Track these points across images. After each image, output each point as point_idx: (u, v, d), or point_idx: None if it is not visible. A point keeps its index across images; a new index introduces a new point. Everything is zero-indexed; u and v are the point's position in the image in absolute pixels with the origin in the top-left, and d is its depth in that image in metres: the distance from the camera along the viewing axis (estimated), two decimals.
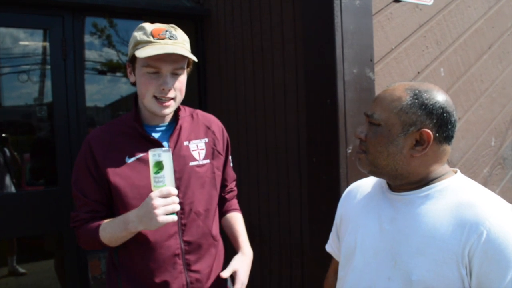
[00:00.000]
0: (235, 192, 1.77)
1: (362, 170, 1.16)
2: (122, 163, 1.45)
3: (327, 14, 2.07)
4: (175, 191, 1.29)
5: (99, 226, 1.42)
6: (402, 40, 2.33)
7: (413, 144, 1.06)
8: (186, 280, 1.48)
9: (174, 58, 1.41)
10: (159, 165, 1.27)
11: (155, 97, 1.42)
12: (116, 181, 1.43)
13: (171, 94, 1.43)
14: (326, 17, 2.08)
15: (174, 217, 1.29)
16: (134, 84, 1.51)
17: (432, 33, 2.47)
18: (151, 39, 1.40)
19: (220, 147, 1.62)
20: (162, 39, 1.40)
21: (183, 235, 1.48)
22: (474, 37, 2.71)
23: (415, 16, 2.39)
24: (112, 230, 1.39)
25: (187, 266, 1.48)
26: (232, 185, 1.75)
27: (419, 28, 2.40)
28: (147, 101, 1.44)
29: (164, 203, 1.26)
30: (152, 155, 1.27)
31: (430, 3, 2.45)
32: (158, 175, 1.27)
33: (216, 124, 1.66)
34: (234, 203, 1.75)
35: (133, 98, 1.54)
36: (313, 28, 2.20)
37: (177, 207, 1.29)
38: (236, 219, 1.69)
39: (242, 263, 1.51)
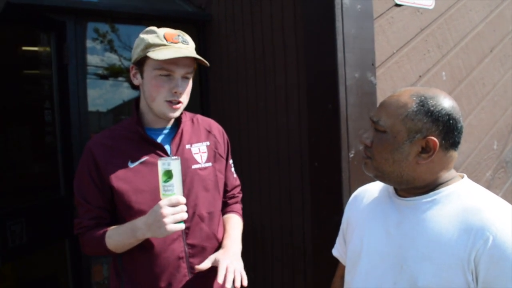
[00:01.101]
0: (238, 199, 1.76)
1: (368, 174, 1.16)
2: (125, 167, 1.45)
3: (328, 18, 2.07)
4: (184, 200, 1.31)
5: (105, 233, 1.42)
6: (404, 44, 2.33)
7: (419, 151, 1.06)
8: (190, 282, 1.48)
9: (186, 62, 1.43)
10: (169, 174, 1.28)
11: (166, 100, 1.43)
12: (119, 186, 1.43)
13: (181, 97, 1.45)
14: (327, 21, 2.08)
15: (182, 226, 1.31)
16: (136, 87, 1.51)
17: (433, 37, 2.47)
18: (165, 42, 1.40)
19: (222, 150, 1.63)
20: (176, 43, 1.42)
21: (187, 239, 1.48)
22: (476, 41, 2.71)
23: (416, 20, 2.39)
24: (119, 237, 1.40)
25: (191, 269, 1.48)
26: (234, 191, 1.75)
27: (420, 32, 2.40)
28: (157, 104, 1.44)
29: (173, 211, 1.28)
30: (162, 163, 1.28)
31: (431, 7, 2.45)
32: (167, 183, 1.29)
33: (216, 127, 1.67)
34: (234, 206, 1.75)
35: (134, 103, 1.54)
36: (314, 32, 2.20)
37: (185, 216, 1.31)
38: (228, 220, 1.68)
39: (222, 255, 1.46)
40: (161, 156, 1.47)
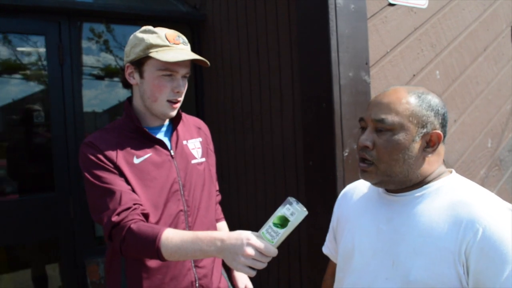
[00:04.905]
0: (219, 197, 1.77)
1: (369, 182, 1.13)
2: (131, 164, 1.40)
3: (322, 18, 2.08)
4: (274, 254, 1.15)
5: (160, 233, 1.24)
6: (397, 43, 2.34)
7: (424, 146, 1.06)
8: (195, 276, 1.48)
9: (187, 63, 1.44)
10: (283, 222, 1.13)
11: (168, 100, 1.43)
12: (130, 182, 1.38)
13: (181, 96, 1.47)
14: (321, 21, 2.09)
15: (253, 273, 1.16)
16: (129, 86, 1.50)
17: (427, 36, 2.48)
18: (168, 43, 1.40)
19: (211, 146, 1.68)
20: (178, 44, 1.42)
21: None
22: (469, 40, 2.72)
23: (409, 19, 2.40)
24: (182, 244, 1.22)
25: (195, 262, 1.49)
26: (217, 186, 1.76)
27: (414, 31, 2.42)
28: (159, 104, 1.43)
29: (257, 257, 1.12)
30: (287, 208, 1.14)
31: (425, 6, 2.46)
32: (275, 229, 1.14)
33: (203, 125, 1.72)
34: (219, 211, 1.78)
35: (126, 102, 1.52)
36: (308, 32, 2.21)
37: (262, 266, 1.15)
38: (221, 230, 1.73)
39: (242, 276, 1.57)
40: (163, 152, 1.46)
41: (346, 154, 2.06)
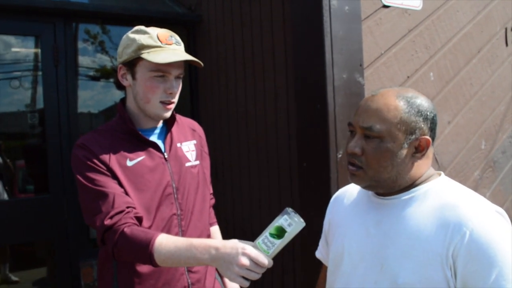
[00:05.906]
0: (213, 201, 1.75)
1: (358, 185, 1.13)
2: (124, 166, 1.38)
3: (316, 20, 2.09)
4: (269, 265, 1.13)
5: (154, 237, 1.22)
6: (392, 45, 2.35)
7: (412, 152, 1.06)
8: (188, 282, 1.46)
9: (180, 63, 1.41)
10: (280, 232, 1.12)
11: (161, 101, 1.41)
12: (123, 185, 1.36)
13: (174, 97, 1.44)
14: (315, 23, 2.09)
15: (246, 283, 1.14)
16: (122, 87, 1.48)
17: (421, 37, 2.49)
18: (160, 43, 1.38)
19: (206, 149, 1.66)
20: (170, 44, 1.40)
21: (184, 237, 1.44)
22: (463, 41, 2.73)
23: (404, 21, 2.41)
24: (176, 250, 1.20)
25: (188, 267, 1.46)
26: (211, 189, 1.75)
27: (408, 33, 2.42)
28: (152, 106, 1.41)
29: (252, 268, 1.10)
30: (285, 219, 1.12)
31: (419, 8, 2.47)
32: (272, 239, 1.12)
33: (198, 126, 1.69)
34: (212, 214, 1.75)
35: (120, 104, 1.51)
36: (303, 33, 2.21)
37: (257, 277, 1.13)
38: (214, 235, 1.72)
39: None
40: (156, 155, 1.44)
41: (339, 155, 2.07)
